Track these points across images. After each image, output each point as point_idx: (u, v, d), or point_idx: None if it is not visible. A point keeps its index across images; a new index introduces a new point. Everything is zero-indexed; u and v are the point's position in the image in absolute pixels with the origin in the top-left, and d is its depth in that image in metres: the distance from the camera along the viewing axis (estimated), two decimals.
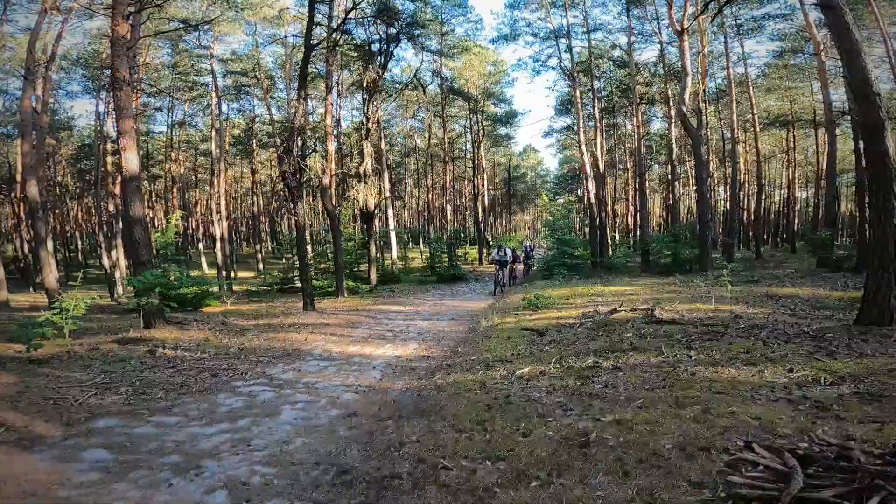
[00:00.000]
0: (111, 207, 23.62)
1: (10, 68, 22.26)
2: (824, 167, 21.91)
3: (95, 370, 5.81)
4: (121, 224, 20.78)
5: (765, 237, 33.36)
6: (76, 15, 18.22)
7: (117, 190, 22.51)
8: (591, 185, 22.68)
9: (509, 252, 16.30)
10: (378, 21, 17.71)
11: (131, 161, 8.89)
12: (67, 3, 17.03)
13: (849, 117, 14.87)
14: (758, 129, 26.69)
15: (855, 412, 3.23)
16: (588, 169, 22.51)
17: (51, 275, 14.59)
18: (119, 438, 3.87)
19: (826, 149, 20.25)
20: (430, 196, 39.23)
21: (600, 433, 3.12)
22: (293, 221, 13.83)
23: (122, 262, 21.90)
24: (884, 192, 5.85)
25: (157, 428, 4.14)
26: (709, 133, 26.64)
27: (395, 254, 26.84)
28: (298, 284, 16.10)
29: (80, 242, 39.31)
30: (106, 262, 22.53)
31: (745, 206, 32.35)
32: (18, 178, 22.03)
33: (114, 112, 11.43)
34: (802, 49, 23.27)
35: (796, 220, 36.05)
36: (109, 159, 23.38)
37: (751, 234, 30.68)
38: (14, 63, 21.45)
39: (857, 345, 4.99)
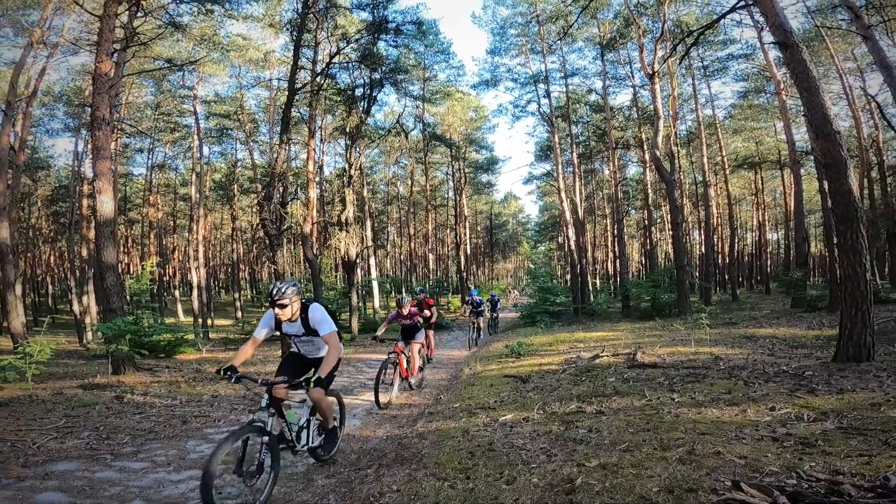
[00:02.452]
0: (84, 252, 23.03)
1: None
2: (792, 208, 22.38)
3: (58, 414, 5.63)
4: (93, 270, 20.22)
5: (740, 279, 33.97)
6: (61, 50, 18.16)
7: (92, 235, 21.99)
8: (571, 233, 23.05)
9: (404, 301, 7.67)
10: (362, 66, 18.00)
11: (106, 204, 8.76)
12: (54, 38, 17.02)
13: (812, 157, 15.37)
14: (727, 172, 27.49)
15: (841, 447, 3.19)
16: (568, 216, 22.92)
17: (17, 319, 14.02)
18: (78, 482, 3.69)
19: (792, 189, 20.53)
20: (412, 244, 39.23)
21: (586, 479, 3.03)
22: (272, 270, 13.60)
23: (93, 308, 21.19)
24: (851, 232, 5.91)
25: (121, 473, 3.95)
26: (682, 177, 27.43)
27: (377, 303, 26.55)
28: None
29: (51, 287, 38.21)
30: (76, 307, 21.86)
31: (720, 250, 33.05)
32: None
33: (91, 152, 11.32)
34: (764, 89, 24.37)
35: (769, 262, 36.96)
36: (86, 202, 22.86)
37: (726, 276, 31.25)
38: None
39: (837, 381, 5.02)
